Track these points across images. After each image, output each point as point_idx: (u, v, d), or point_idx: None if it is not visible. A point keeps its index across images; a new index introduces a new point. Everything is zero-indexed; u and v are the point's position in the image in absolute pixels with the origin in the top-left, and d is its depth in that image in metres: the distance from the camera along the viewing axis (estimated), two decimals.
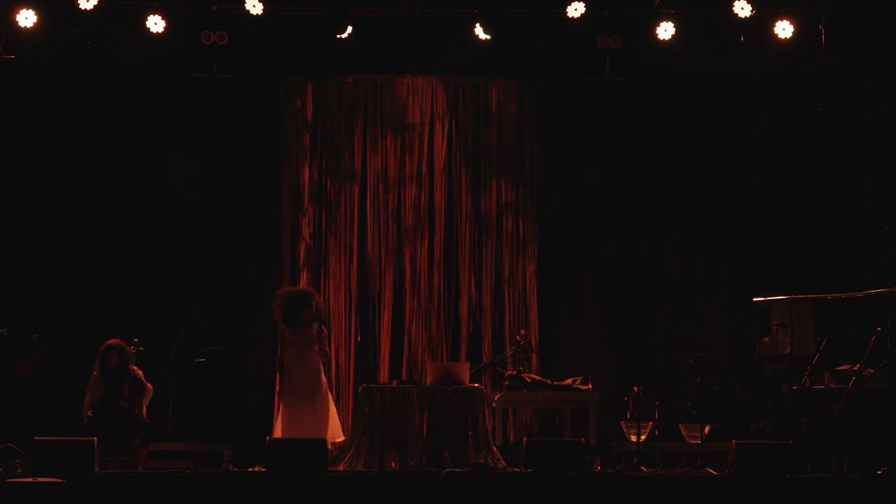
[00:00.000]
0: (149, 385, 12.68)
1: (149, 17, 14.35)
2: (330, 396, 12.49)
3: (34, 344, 14.28)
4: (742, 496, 10.86)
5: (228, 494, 10.74)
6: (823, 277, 14.48)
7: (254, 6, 14.24)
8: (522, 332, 14.30)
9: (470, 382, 12.89)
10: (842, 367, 13.05)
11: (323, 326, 12.50)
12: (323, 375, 12.40)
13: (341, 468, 12.41)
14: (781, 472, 11.12)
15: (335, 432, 12.35)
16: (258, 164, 15.32)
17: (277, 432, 12.17)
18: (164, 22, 14.37)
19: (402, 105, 15.30)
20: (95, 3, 13.93)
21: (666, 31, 14.61)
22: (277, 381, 12.40)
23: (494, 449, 12.70)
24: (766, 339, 13.59)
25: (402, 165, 15.28)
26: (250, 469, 12.12)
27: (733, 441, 11.62)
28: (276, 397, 12.50)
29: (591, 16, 14.47)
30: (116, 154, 15.14)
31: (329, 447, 11.84)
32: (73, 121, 15.02)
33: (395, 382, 13.27)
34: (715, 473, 11.54)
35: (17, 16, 14.07)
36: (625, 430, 13.15)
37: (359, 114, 15.30)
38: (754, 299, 13.98)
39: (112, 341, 12.52)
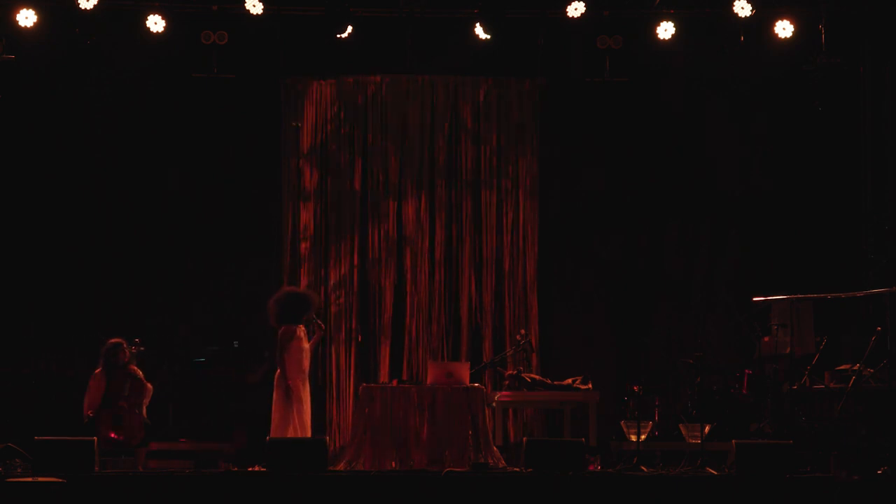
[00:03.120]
0: (149, 385, 12.70)
1: (149, 17, 14.35)
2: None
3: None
4: (742, 496, 10.86)
5: (228, 494, 10.73)
6: (823, 277, 14.48)
7: (254, 6, 14.24)
8: (522, 331, 14.28)
9: (470, 382, 12.89)
10: (842, 367, 13.05)
11: (320, 322, 12.59)
12: None
13: (341, 468, 12.41)
14: (781, 472, 11.11)
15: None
16: (258, 164, 15.33)
17: (288, 433, 12.13)
18: (164, 22, 14.37)
19: (403, 105, 15.30)
20: (95, 3, 13.93)
21: (666, 31, 14.61)
22: (287, 380, 12.34)
23: (494, 449, 12.70)
24: (766, 339, 13.58)
25: (402, 165, 15.28)
26: (250, 469, 12.12)
27: (733, 441, 11.60)
28: (278, 394, 12.43)
29: (591, 16, 14.47)
30: (116, 154, 15.14)
31: None
32: (73, 121, 15.02)
33: (395, 382, 13.28)
34: (715, 473, 11.53)
35: (17, 16, 14.07)
36: (625, 430, 13.15)
37: (359, 113, 15.31)
38: (754, 299, 13.97)
39: (117, 340, 12.57)
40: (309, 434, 12.27)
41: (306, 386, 12.42)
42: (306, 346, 12.43)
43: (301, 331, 12.43)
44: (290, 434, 12.15)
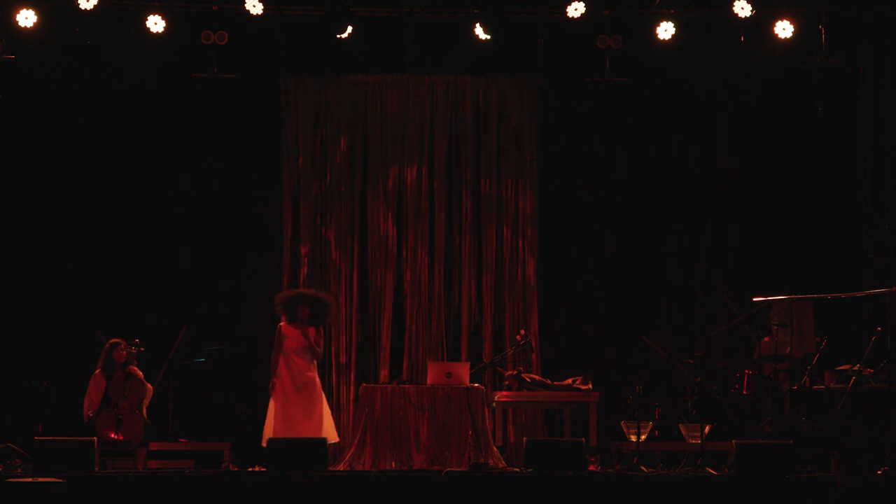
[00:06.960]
0: (149, 385, 12.72)
1: (149, 17, 14.33)
2: (324, 397, 12.51)
3: None
4: (742, 496, 10.86)
5: (228, 494, 10.74)
6: (823, 277, 14.48)
7: (254, 6, 14.23)
8: (522, 331, 14.28)
9: (470, 382, 12.90)
10: (842, 367, 13.05)
11: (320, 327, 12.55)
12: (316, 375, 12.45)
13: (341, 468, 12.41)
14: (781, 472, 11.12)
15: (329, 433, 12.36)
16: (258, 164, 15.33)
17: (269, 431, 12.19)
18: (164, 22, 14.35)
19: (403, 105, 15.30)
20: (95, 3, 13.92)
21: (666, 30, 14.60)
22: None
23: (494, 449, 12.71)
24: (766, 339, 13.59)
25: (402, 165, 15.27)
26: (250, 469, 12.13)
27: (733, 441, 11.62)
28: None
29: (591, 15, 14.46)
30: (116, 154, 15.13)
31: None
32: (73, 121, 15.02)
33: (395, 382, 13.28)
34: (715, 473, 11.54)
35: (17, 16, 14.06)
36: (625, 430, 13.15)
37: (359, 114, 15.31)
38: (754, 299, 13.98)
39: (117, 340, 12.60)
40: (288, 435, 12.15)
41: (294, 385, 12.35)
42: (288, 345, 12.40)
43: (285, 329, 12.45)
44: (266, 431, 12.21)
